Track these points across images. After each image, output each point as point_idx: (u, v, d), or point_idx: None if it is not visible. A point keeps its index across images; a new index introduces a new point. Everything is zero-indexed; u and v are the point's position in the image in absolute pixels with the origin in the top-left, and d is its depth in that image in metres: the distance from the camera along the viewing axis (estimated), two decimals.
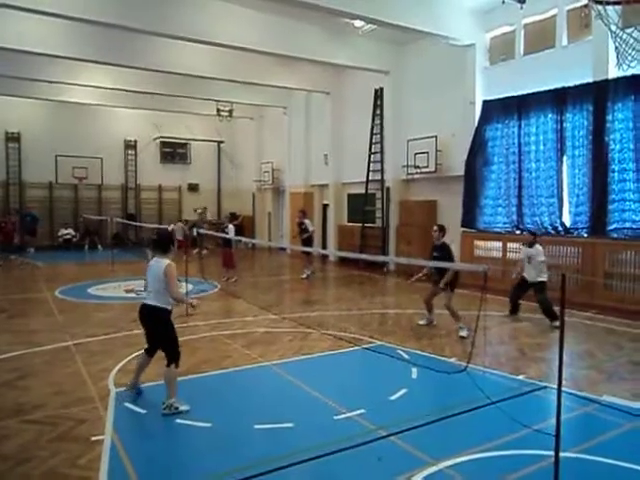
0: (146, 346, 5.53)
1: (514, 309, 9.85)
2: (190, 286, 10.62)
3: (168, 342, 5.26)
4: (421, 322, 9.19)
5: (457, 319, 8.47)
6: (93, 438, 4.64)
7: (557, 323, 8.61)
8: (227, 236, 13.46)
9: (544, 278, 9.30)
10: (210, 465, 4.25)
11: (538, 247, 9.42)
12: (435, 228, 8.86)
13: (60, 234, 23.21)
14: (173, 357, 5.20)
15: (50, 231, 23.32)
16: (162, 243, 5.41)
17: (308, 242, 15.08)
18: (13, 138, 22.48)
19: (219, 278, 13.93)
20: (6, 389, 5.91)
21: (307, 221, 15.32)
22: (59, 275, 15.57)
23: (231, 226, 14.66)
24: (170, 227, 21.14)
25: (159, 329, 5.29)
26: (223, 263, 14.42)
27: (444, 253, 8.60)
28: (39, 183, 22.96)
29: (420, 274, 9.33)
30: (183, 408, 5.14)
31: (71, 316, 9.74)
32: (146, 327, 5.39)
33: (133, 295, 11.55)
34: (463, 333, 8.26)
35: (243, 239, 14.25)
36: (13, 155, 22.49)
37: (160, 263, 5.20)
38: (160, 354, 6.43)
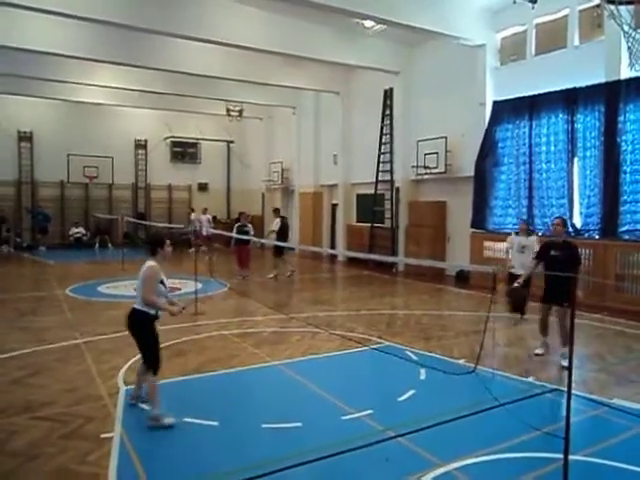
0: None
1: (522, 310, 9.15)
2: (200, 285, 10.67)
3: (145, 348, 5.02)
4: (538, 351, 7.33)
5: (566, 343, 6.69)
6: (102, 435, 4.68)
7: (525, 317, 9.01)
8: (245, 237, 13.54)
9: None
10: (218, 464, 4.27)
11: (534, 238, 9.05)
12: (556, 221, 7.42)
13: (71, 233, 23.37)
14: (150, 364, 4.96)
15: (61, 230, 23.50)
16: (149, 244, 5.28)
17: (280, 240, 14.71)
18: (25, 137, 22.67)
19: (228, 277, 13.96)
20: (16, 386, 5.97)
21: (276, 220, 14.98)
22: (70, 273, 15.68)
23: (250, 225, 14.90)
24: (192, 216, 21.45)
25: (136, 333, 5.04)
26: (239, 262, 14.51)
27: (569, 253, 6.89)
28: (51, 182, 23.13)
29: (518, 282, 7.32)
30: (167, 421, 4.86)
31: (81, 314, 9.82)
32: (129, 332, 5.10)
33: None
34: (565, 362, 6.58)
35: (253, 239, 14.28)
36: (25, 154, 22.68)
37: (144, 265, 5.07)
38: (166, 353, 6.42)
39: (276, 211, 15.76)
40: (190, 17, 12.79)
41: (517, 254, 9.05)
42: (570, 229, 11.96)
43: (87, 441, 4.57)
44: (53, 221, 23.03)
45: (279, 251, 14.72)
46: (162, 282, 5.08)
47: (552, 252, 7.05)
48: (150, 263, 5.05)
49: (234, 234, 14.03)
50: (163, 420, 4.87)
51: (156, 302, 4.96)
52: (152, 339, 5.04)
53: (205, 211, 21.01)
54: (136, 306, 5.04)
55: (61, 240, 23.26)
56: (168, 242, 5.28)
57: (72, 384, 6.01)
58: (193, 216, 22.48)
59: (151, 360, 5.00)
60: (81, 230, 23.56)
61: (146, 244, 5.37)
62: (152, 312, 5.02)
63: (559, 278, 6.30)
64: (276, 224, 14.89)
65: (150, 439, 4.74)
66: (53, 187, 23.34)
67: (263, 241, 14.90)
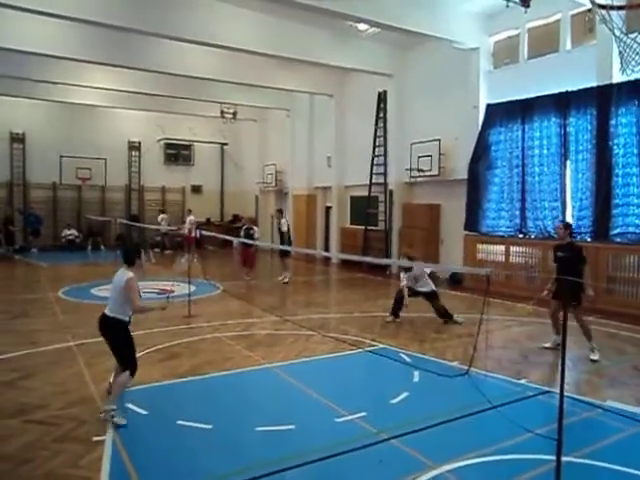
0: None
1: (396, 312, 9.64)
2: (193, 287, 10.64)
3: (123, 352, 5.18)
4: (546, 345, 7.78)
5: (590, 338, 7.36)
6: (95, 438, 4.65)
7: (458, 320, 9.55)
8: (250, 241, 13.78)
9: (433, 287, 9.71)
10: (211, 467, 4.26)
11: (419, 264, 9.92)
12: (559, 225, 8.03)
13: (64, 235, 23.24)
14: (128, 365, 5.13)
15: (54, 232, 23.36)
16: (127, 256, 5.35)
17: (285, 243, 14.76)
18: (18, 139, 22.53)
19: (221, 279, 13.94)
20: (9, 389, 5.93)
21: (283, 220, 15.02)
22: (62, 276, 15.60)
23: (256, 228, 15.38)
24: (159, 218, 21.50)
25: (114, 339, 5.20)
26: (243, 263, 14.79)
27: (574, 254, 7.38)
28: (43, 184, 22.98)
29: (547, 289, 7.68)
30: (118, 421, 4.91)
31: (74, 317, 9.76)
32: (104, 337, 5.28)
33: None
34: (595, 357, 7.21)
35: (246, 241, 14.28)
36: (17, 156, 22.53)
37: (122, 275, 5.18)
38: (159, 356, 6.43)
39: (280, 212, 15.66)
40: (184, 19, 12.77)
41: (412, 281, 9.59)
42: None
43: (79, 444, 4.55)
44: (45, 223, 22.86)
45: (287, 253, 14.69)
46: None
47: (559, 254, 7.61)
48: (130, 274, 5.18)
49: (242, 237, 14.46)
50: (114, 418, 4.92)
51: (145, 308, 5.36)
52: (129, 343, 5.21)
53: (190, 212, 20.82)
54: (109, 314, 5.19)
55: (53, 242, 23.09)
56: (143, 252, 5.59)
57: (64, 387, 5.98)
58: (160, 218, 22.31)
59: (129, 362, 5.15)
60: (74, 232, 23.41)
61: (125, 254, 5.40)
62: (126, 319, 5.19)
63: (565, 277, 7.02)
64: (284, 224, 14.88)
65: (143, 442, 4.73)
66: (45, 189, 23.19)
67: (258, 244, 14.80)
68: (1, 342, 7.85)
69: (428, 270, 9.83)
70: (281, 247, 14.11)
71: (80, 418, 5.09)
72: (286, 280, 14.39)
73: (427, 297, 9.74)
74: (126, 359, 5.16)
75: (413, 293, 9.66)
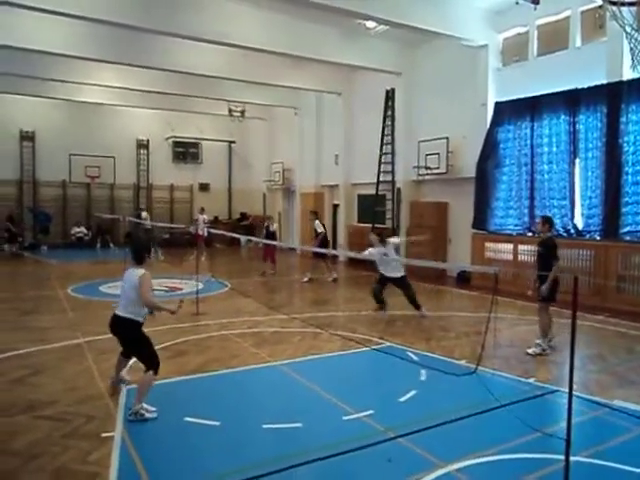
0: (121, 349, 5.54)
1: (382, 304, 9.90)
2: (201, 285, 10.67)
3: (141, 353, 5.23)
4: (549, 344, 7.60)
5: (544, 335, 7.47)
6: (103, 435, 4.68)
7: (424, 313, 9.73)
8: (257, 239, 14.73)
9: (403, 273, 9.77)
10: (218, 463, 4.27)
11: (395, 240, 9.99)
12: (538, 220, 8.01)
13: (73, 232, 23.41)
14: (151, 365, 5.12)
15: (63, 229, 23.53)
16: (136, 253, 5.32)
17: (321, 244, 14.65)
18: (27, 137, 22.69)
19: (228, 277, 13.97)
20: (18, 385, 5.99)
21: (317, 222, 15.09)
22: (71, 273, 15.70)
23: (276, 225, 16.28)
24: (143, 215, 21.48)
25: (129, 341, 5.26)
26: (270, 259, 15.36)
27: (548, 250, 7.48)
28: (53, 182, 23.14)
29: (531, 288, 7.89)
30: (149, 416, 5.03)
31: (83, 314, 9.83)
32: (117, 337, 5.33)
33: None
34: (530, 349, 7.41)
35: (254, 239, 14.33)
36: (27, 154, 22.69)
37: (134, 273, 5.16)
38: (167, 353, 6.48)
39: (315, 213, 15.59)
40: (193, 17, 12.79)
41: (382, 261, 9.77)
42: (571, 230, 11.98)
43: (88, 440, 4.58)
44: (55, 221, 23.06)
45: (323, 255, 14.64)
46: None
47: (539, 249, 7.77)
48: (142, 271, 5.18)
49: (263, 235, 15.66)
50: (145, 415, 5.01)
51: (156, 303, 5.18)
52: (146, 343, 5.23)
53: (202, 211, 20.87)
54: (121, 313, 5.19)
55: (63, 239, 23.28)
56: (152, 250, 5.49)
57: (73, 383, 6.03)
58: (144, 215, 22.28)
59: (150, 362, 5.14)
60: (83, 230, 23.59)
61: (134, 252, 5.35)
62: (140, 320, 5.19)
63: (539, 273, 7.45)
64: (319, 226, 14.83)
65: (151, 438, 4.75)
66: (55, 187, 23.35)
67: (265, 241, 14.78)
68: (11, 339, 7.92)
69: (397, 240, 9.88)
70: (315, 249, 13.93)
71: (89, 414, 5.13)
72: (331, 278, 14.41)
73: (398, 284, 9.86)
74: (147, 359, 5.15)
75: (384, 280, 9.82)
